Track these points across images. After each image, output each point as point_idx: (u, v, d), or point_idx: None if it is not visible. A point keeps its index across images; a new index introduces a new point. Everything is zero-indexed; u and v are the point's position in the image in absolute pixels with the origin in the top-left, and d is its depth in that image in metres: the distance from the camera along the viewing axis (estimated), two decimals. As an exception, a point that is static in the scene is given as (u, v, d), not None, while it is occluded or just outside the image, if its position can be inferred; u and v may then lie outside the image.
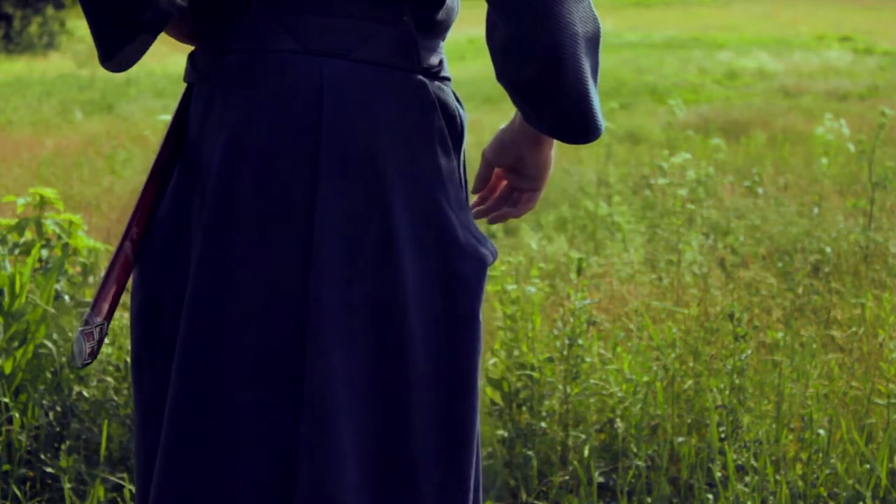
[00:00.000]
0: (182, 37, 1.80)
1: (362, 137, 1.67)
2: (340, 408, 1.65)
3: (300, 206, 1.66)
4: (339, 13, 1.67)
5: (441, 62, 1.77)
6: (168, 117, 5.01)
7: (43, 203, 4.44)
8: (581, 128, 1.68)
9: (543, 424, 3.77)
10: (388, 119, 1.68)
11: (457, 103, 1.79)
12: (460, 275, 1.71)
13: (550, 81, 1.62)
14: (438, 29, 1.76)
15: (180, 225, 1.75)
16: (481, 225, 4.40)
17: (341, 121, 1.66)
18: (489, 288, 4.04)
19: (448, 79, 1.77)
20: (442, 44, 1.78)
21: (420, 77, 1.71)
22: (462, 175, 1.83)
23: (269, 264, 1.66)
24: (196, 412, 1.67)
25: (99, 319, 1.76)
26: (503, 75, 1.69)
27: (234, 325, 1.67)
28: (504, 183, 1.95)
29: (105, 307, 1.76)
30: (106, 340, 4.22)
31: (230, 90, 1.70)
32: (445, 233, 1.72)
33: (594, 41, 1.66)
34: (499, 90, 16.67)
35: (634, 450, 3.70)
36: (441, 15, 1.75)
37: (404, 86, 1.69)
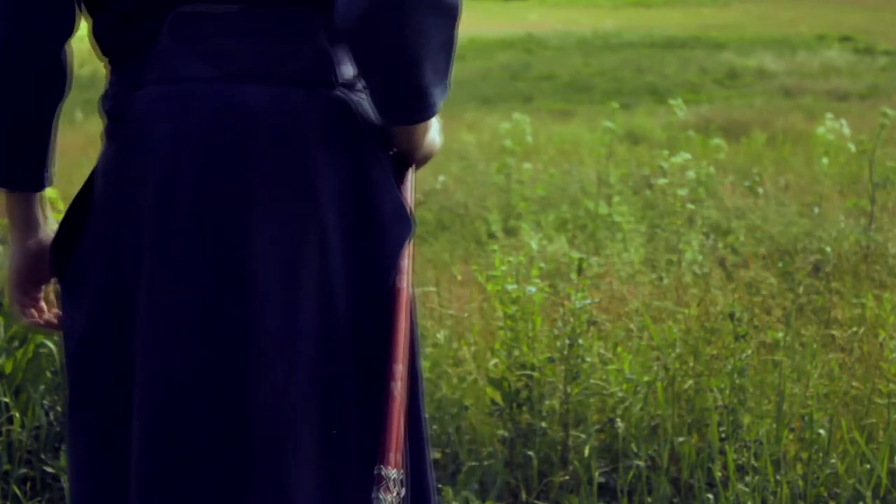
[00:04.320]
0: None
1: (292, 160, 1.64)
2: (289, 429, 1.65)
3: (237, 235, 1.63)
4: (253, 35, 1.65)
5: (355, 75, 1.72)
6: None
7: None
8: (409, 101, 1.63)
9: (544, 424, 3.77)
10: (315, 138, 1.65)
11: (373, 112, 1.74)
12: (383, 254, 1.70)
13: (384, 11, 1.55)
14: None
15: (110, 263, 1.70)
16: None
17: (270, 146, 1.63)
18: (489, 288, 4.04)
19: (362, 91, 1.73)
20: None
21: (340, 92, 1.68)
22: (402, 179, 1.80)
23: (212, 290, 1.64)
24: (162, 441, 1.67)
25: (395, 472, 1.66)
26: (339, 17, 1.61)
27: (184, 357, 1.65)
28: None
29: (398, 457, 1.68)
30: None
31: (150, 124, 1.65)
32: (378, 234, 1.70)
33: (446, 9, 1.58)
34: (498, 91, 16.70)
35: (635, 450, 3.70)
36: None
37: (326, 103, 1.67)
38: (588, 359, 3.88)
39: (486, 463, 3.73)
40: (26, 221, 1.78)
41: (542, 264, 4.33)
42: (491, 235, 6.72)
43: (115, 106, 1.71)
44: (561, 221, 7.03)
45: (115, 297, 1.71)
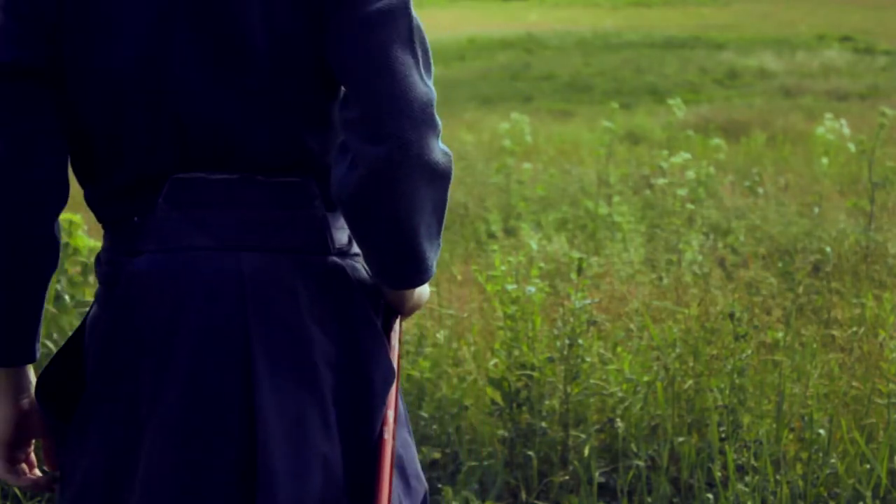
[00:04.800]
0: None
1: (290, 330, 1.65)
2: None
3: (235, 403, 1.63)
4: (250, 204, 1.66)
5: (350, 239, 1.74)
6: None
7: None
8: (405, 266, 1.66)
9: (544, 424, 3.77)
10: (310, 307, 1.67)
11: (369, 275, 1.76)
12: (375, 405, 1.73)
13: (379, 183, 1.58)
14: None
15: (111, 419, 1.68)
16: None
17: (267, 316, 1.64)
18: (489, 288, 4.04)
19: (358, 254, 1.75)
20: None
21: (335, 259, 1.70)
22: (393, 336, 1.82)
23: (207, 464, 1.64)
24: None
25: None
26: (336, 188, 1.63)
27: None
28: None
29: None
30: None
31: (147, 293, 1.65)
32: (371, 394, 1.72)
33: (439, 177, 1.63)
34: (498, 91, 16.71)
35: (635, 450, 3.70)
36: None
37: (322, 270, 1.68)
38: (588, 359, 3.88)
39: (486, 463, 3.74)
40: (16, 386, 1.76)
41: (542, 264, 4.34)
42: (491, 235, 6.72)
43: (110, 272, 1.71)
44: (561, 221, 7.03)
45: (117, 455, 1.70)
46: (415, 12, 1.66)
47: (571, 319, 3.87)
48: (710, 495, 3.51)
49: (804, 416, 3.75)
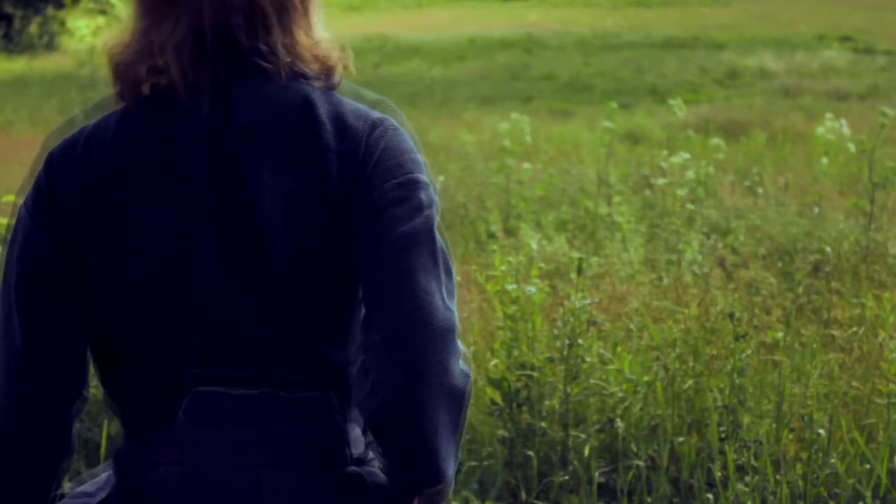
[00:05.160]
0: None
1: None
2: None
3: None
4: (270, 420, 1.67)
5: (366, 445, 1.75)
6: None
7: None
8: (426, 478, 1.68)
9: (543, 424, 3.77)
10: None
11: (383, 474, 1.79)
12: None
13: (400, 410, 1.62)
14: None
15: None
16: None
17: None
18: (489, 288, 4.04)
19: (372, 459, 1.76)
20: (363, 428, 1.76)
21: (353, 468, 1.71)
22: None
23: None
24: None
25: None
26: (360, 401, 1.66)
27: None
28: None
29: None
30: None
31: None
32: None
33: (458, 399, 1.65)
34: (498, 91, 16.71)
35: (634, 450, 3.70)
36: None
37: (340, 482, 1.69)
38: (588, 359, 3.88)
39: (486, 463, 3.74)
40: None
41: (542, 264, 4.34)
42: (491, 235, 6.72)
43: (128, 478, 1.73)
44: (561, 221, 7.03)
45: None
46: (439, 235, 1.67)
47: (571, 319, 3.87)
48: (710, 495, 3.51)
49: (804, 416, 3.75)
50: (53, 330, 1.68)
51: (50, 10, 26.56)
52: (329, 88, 1.70)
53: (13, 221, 1.74)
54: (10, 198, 4.65)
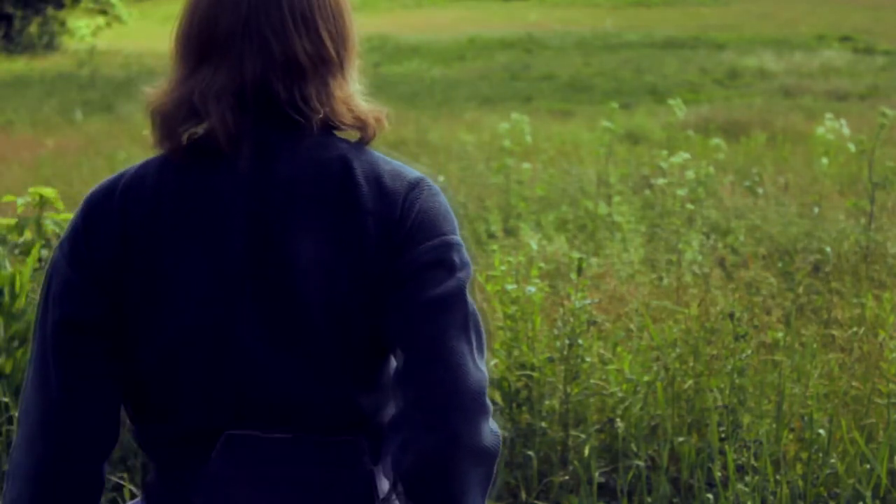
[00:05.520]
0: None
1: None
2: None
3: None
4: (302, 462, 1.70)
5: (393, 483, 1.76)
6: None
7: (43, 203, 4.44)
8: None
9: (543, 424, 3.77)
10: None
11: None
12: None
13: (431, 471, 1.65)
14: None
15: None
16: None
17: None
18: (489, 288, 4.04)
19: (394, 498, 1.78)
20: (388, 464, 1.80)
21: None
22: None
23: None
24: None
25: None
26: (395, 465, 1.69)
27: None
28: None
29: None
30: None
31: None
32: None
33: (489, 459, 1.69)
34: (498, 91, 16.70)
35: (634, 450, 3.70)
36: None
37: None
38: (588, 359, 3.88)
39: (485, 463, 3.73)
40: None
41: (542, 264, 4.34)
42: (491, 235, 6.72)
43: None
44: (561, 221, 7.03)
45: None
46: (471, 297, 1.70)
47: (571, 319, 3.87)
48: (710, 495, 3.51)
49: (804, 416, 3.75)
50: (90, 375, 1.69)
51: (50, 10, 26.56)
52: (363, 143, 1.72)
53: (47, 266, 1.75)
54: (11, 198, 4.66)
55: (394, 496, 1.77)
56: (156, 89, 1.72)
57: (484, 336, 1.73)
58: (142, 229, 1.67)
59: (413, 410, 1.64)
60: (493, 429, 1.69)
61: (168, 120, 1.68)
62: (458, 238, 1.72)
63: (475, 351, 1.68)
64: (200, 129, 1.66)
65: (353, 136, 1.73)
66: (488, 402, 1.70)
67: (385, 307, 1.67)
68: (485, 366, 1.70)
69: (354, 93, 1.73)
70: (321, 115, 1.67)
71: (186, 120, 1.66)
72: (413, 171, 1.73)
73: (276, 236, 1.66)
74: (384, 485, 1.77)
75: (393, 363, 1.74)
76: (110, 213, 1.68)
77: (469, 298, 1.69)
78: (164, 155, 1.71)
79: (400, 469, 1.65)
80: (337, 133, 1.72)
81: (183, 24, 1.71)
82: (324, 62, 1.69)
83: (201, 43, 1.68)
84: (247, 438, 1.70)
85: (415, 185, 1.70)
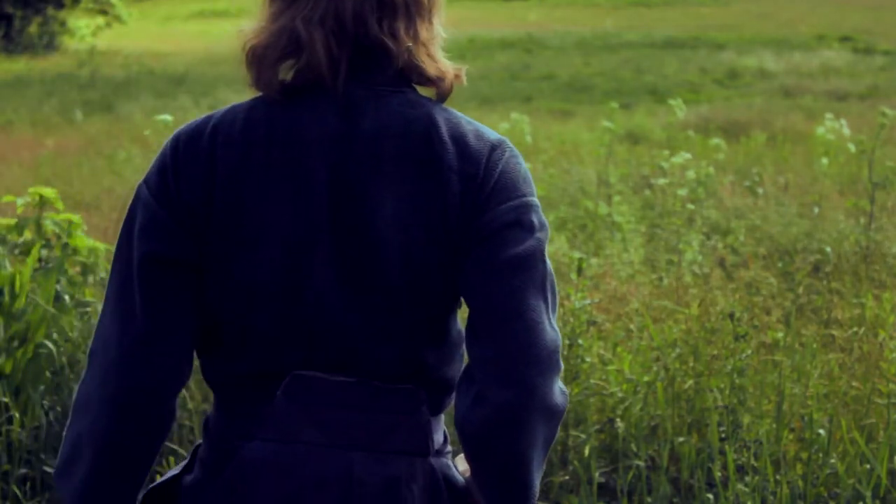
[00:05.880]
0: None
1: None
2: None
3: None
4: (363, 407, 1.75)
5: (445, 437, 1.85)
6: (168, 118, 5.00)
7: (43, 203, 4.44)
8: (515, 494, 1.75)
9: (543, 424, 3.77)
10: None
11: (456, 472, 1.84)
12: None
13: (504, 424, 1.68)
14: (446, 408, 1.84)
15: None
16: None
17: None
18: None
19: (449, 452, 1.85)
20: (443, 421, 1.85)
21: (431, 460, 1.79)
22: None
23: None
24: None
25: None
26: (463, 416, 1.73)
27: None
28: None
29: None
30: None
31: (254, 480, 1.74)
32: None
33: (556, 417, 1.72)
34: (498, 91, 16.70)
35: (635, 450, 3.70)
36: (452, 399, 1.83)
37: (420, 471, 1.77)
38: (588, 359, 3.88)
39: (485, 463, 3.73)
40: None
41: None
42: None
43: (220, 448, 1.78)
44: (561, 221, 7.03)
45: None
46: (548, 258, 1.73)
47: (571, 319, 3.87)
48: (710, 495, 3.51)
49: (804, 416, 3.75)
50: (173, 309, 1.73)
51: (50, 10, 26.56)
52: (441, 97, 1.77)
53: (131, 200, 1.78)
54: (10, 198, 4.66)
55: (447, 449, 1.83)
56: (249, 30, 1.74)
57: (558, 297, 1.77)
58: (229, 173, 1.71)
59: (488, 365, 1.68)
60: (562, 388, 1.73)
61: (267, 53, 1.70)
62: (536, 200, 1.75)
63: (550, 310, 1.71)
64: (302, 61, 1.69)
65: (429, 92, 1.77)
66: (560, 360, 1.73)
67: (463, 265, 1.71)
68: (556, 324, 1.73)
69: (438, 39, 1.78)
70: (406, 53, 1.71)
71: (285, 53, 1.69)
72: (494, 132, 1.77)
73: (359, 189, 1.70)
74: (439, 436, 1.81)
75: (460, 322, 1.79)
76: (199, 155, 1.72)
77: (546, 259, 1.72)
78: (254, 100, 1.74)
79: (471, 421, 1.69)
80: (418, 92, 1.76)
81: None
82: (415, 2, 1.74)
83: None
84: (312, 379, 1.73)
85: (497, 146, 1.74)
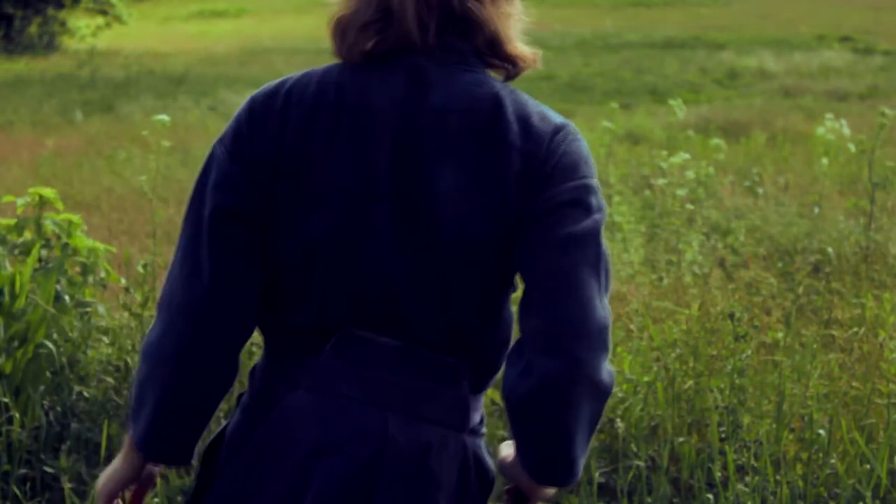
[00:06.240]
0: None
1: (413, 493, 1.77)
2: None
3: None
4: (406, 371, 1.78)
5: (482, 419, 1.88)
6: (166, 117, 5.00)
7: (42, 203, 4.44)
8: (558, 469, 1.77)
9: (543, 424, 3.77)
10: (436, 477, 1.78)
11: (487, 456, 1.87)
12: None
13: (551, 394, 1.70)
14: (486, 389, 1.87)
15: None
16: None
17: (397, 475, 1.76)
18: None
19: (483, 434, 1.88)
20: (482, 402, 1.88)
21: (465, 437, 1.82)
22: None
23: None
24: None
25: None
26: (512, 387, 1.75)
27: None
28: None
29: None
30: (105, 340, 4.23)
31: (295, 428, 1.78)
32: None
33: (603, 395, 1.74)
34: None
35: (635, 450, 3.70)
36: (493, 381, 1.86)
37: (452, 445, 1.80)
38: (588, 359, 3.87)
39: (485, 463, 3.73)
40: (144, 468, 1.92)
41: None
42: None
43: (265, 394, 1.83)
44: (561, 221, 7.02)
45: None
46: (604, 240, 1.77)
47: (571, 319, 3.85)
48: (710, 495, 3.51)
49: (804, 416, 3.75)
50: (241, 262, 1.78)
51: (50, 10, 26.55)
52: (511, 77, 1.82)
53: (207, 157, 1.83)
54: (10, 198, 4.66)
55: (482, 430, 1.86)
56: (336, 7, 1.79)
57: (611, 280, 1.78)
58: (298, 132, 1.77)
59: (538, 337, 1.70)
60: (609, 369, 1.74)
61: (355, 18, 1.76)
62: (596, 182, 1.78)
63: (603, 290, 1.74)
64: (390, 27, 1.74)
65: (498, 74, 1.82)
66: (610, 341, 1.74)
67: (519, 241, 1.74)
68: (608, 305, 1.74)
69: (518, 20, 1.84)
70: (491, 27, 1.77)
71: (374, 19, 1.75)
72: (560, 116, 1.80)
73: (421, 158, 1.74)
74: (476, 416, 1.83)
75: (513, 304, 1.81)
76: (272, 115, 1.78)
77: (602, 241, 1.75)
78: (329, 66, 1.80)
79: (517, 390, 1.71)
80: (491, 74, 1.80)
81: None
82: None
83: None
84: (360, 338, 1.78)
85: (561, 129, 1.77)
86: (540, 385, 1.69)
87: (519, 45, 1.82)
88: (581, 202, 1.74)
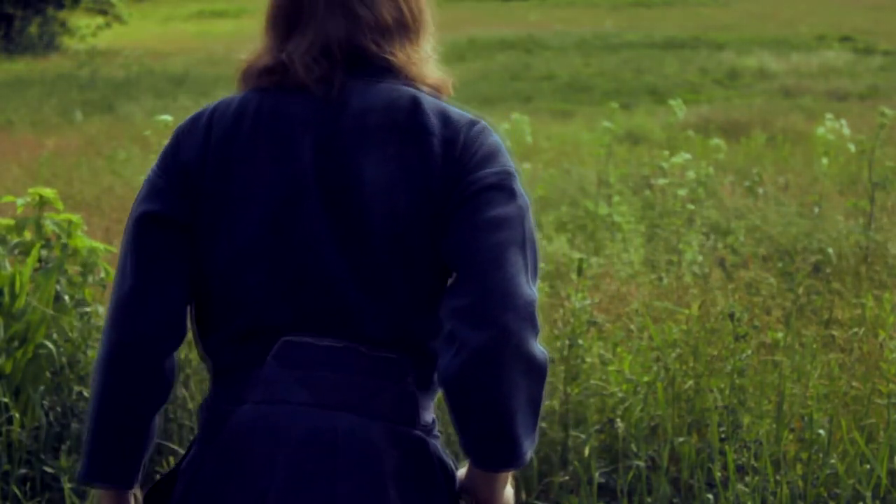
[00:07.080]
0: None
1: (372, 488, 1.77)
2: None
3: None
4: (350, 371, 1.79)
5: (433, 420, 1.87)
6: (169, 117, 5.01)
7: (42, 203, 4.43)
8: (500, 448, 1.75)
9: (543, 425, 3.77)
10: (393, 472, 1.78)
11: (446, 455, 1.86)
12: None
13: (482, 369, 1.70)
14: (434, 388, 1.87)
15: None
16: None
17: (353, 472, 1.76)
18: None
19: (439, 436, 1.88)
20: (433, 403, 1.88)
21: (419, 433, 1.82)
22: None
23: None
24: None
25: None
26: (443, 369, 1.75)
27: None
28: None
29: None
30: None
31: (246, 441, 1.79)
32: None
33: (537, 371, 1.73)
34: (498, 91, 16.70)
35: (634, 450, 3.70)
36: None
37: (407, 441, 1.80)
38: (588, 359, 3.88)
39: (485, 463, 3.73)
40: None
41: (542, 264, 4.33)
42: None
43: (213, 418, 1.85)
44: (561, 222, 7.03)
45: None
46: (532, 225, 1.79)
47: (571, 320, 3.87)
48: (710, 495, 3.51)
49: (804, 416, 3.75)
50: (162, 265, 1.82)
51: (50, 10, 26.55)
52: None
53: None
54: (10, 198, 4.66)
55: (436, 432, 1.86)
56: (249, 56, 1.89)
57: (539, 263, 1.79)
58: (222, 142, 1.82)
59: (466, 314, 1.71)
60: (542, 349, 1.74)
61: (258, 67, 1.85)
62: (515, 170, 1.81)
63: (529, 270, 1.75)
64: (287, 79, 1.82)
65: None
66: (538, 320, 1.74)
67: (445, 226, 1.76)
68: (536, 290, 1.75)
69: (428, 58, 1.89)
70: (408, 70, 1.83)
71: (270, 70, 1.83)
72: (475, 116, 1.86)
73: (344, 154, 1.78)
74: (427, 414, 1.84)
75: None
76: (196, 130, 1.85)
77: (528, 225, 1.77)
78: (251, 89, 1.87)
79: (449, 371, 1.71)
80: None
81: (271, 4, 1.88)
82: (404, 26, 1.85)
83: (287, 17, 1.84)
84: (301, 344, 1.79)
85: (477, 122, 1.83)
86: (471, 359, 1.69)
87: (431, 78, 1.87)
88: (504, 187, 1.76)
